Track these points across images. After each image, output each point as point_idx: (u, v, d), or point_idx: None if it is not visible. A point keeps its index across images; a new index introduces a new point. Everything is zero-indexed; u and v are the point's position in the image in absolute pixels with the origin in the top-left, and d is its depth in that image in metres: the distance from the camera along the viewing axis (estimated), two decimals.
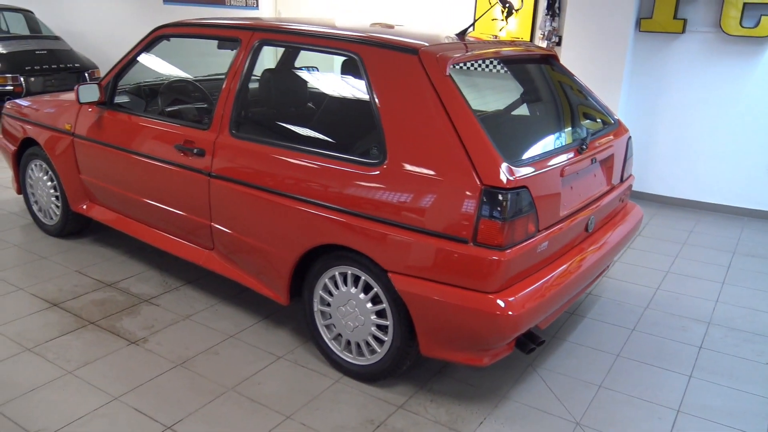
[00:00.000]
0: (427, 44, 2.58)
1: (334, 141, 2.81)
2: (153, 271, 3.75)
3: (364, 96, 2.61)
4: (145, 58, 3.60)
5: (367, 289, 2.64)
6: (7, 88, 7.46)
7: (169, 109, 3.58)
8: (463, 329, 2.36)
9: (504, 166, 2.28)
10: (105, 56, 9.20)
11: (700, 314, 3.50)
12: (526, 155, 2.47)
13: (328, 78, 3.72)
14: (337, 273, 2.71)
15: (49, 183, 4.06)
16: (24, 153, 4.18)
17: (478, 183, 2.26)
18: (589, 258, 2.78)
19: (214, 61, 3.99)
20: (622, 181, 3.24)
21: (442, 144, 2.35)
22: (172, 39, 3.50)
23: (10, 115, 4.30)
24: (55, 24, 9.53)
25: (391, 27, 3.25)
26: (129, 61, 3.56)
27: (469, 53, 2.62)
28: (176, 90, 3.79)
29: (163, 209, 3.36)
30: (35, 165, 4.12)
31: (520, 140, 2.66)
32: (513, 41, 3.27)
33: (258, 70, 3.20)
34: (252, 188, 2.86)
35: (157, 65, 3.83)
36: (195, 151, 3.07)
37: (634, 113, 5.46)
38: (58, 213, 4.09)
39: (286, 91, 3.33)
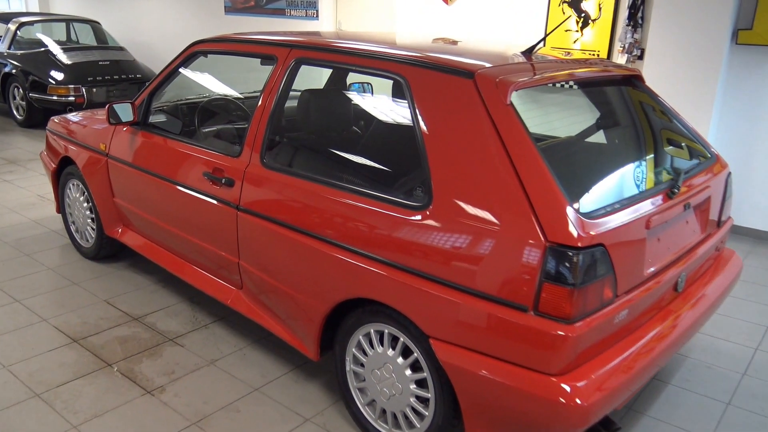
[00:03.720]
0: (485, 66, 2.17)
1: (372, 178, 2.44)
2: (184, 304, 3.48)
3: (409, 127, 2.22)
4: (181, 76, 3.35)
5: (406, 352, 2.25)
6: (69, 98, 7.51)
7: (202, 131, 3.32)
8: (518, 416, 1.94)
9: (575, 218, 1.85)
10: None
11: None
12: (603, 203, 2.02)
13: (372, 104, 3.34)
14: (372, 330, 2.33)
15: (86, 204, 3.87)
16: (63, 171, 4.03)
17: (542, 239, 1.83)
18: (678, 324, 2.29)
19: (259, 77, 3.71)
20: (719, 226, 2.73)
21: (499, 188, 1.94)
22: (209, 56, 3.23)
23: (51, 131, 4.16)
24: (121, 34, 9.64)
25: (455, 43, 2.86)
26: (164, 79, 3.31)
27: (535, 77, 2.19)
28: (211, 111, 3.52)
29: (192, 241, 3.08)
30: (73, 184, 3.96)
31: (596, 183, 2.20)
32: (589, 60, 2.81)
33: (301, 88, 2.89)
34: (281, 226, 2.53)
35: (194, 83, 3.58)
36: (223, 180, 2.77)
37: (728, 137, 4.83)
38: (93, 236, 3.91)
39: (323, 118, 2.98)
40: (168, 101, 3.67)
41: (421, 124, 2.16)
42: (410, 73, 2.25)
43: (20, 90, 7.86)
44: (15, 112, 8.13)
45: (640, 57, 4.97)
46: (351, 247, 2.27)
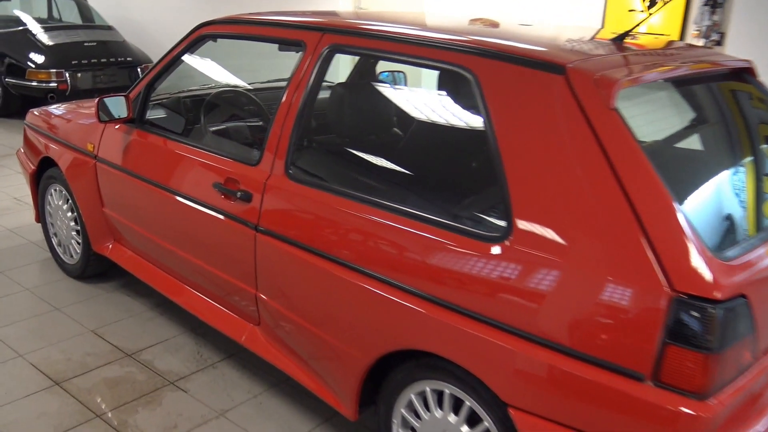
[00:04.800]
0: (576, 58, 1.87)
1: (430, 198, 2.14)
2: (186, 336, 3.21)
3: (480, 134, 1.93)
4: (185, 64, 3.07)
5: (473, 419, 1.96)
6: (51, 84, 7.26)
7: (211, 131, 3.04)
8: None
9: (710, 260, 1.55)
10: (162, 48, 8.94)
11: None
12: (738, 238, 1.72)
13: (426, 101, 3.02)
14: (428, 389, 2.04)
15: (70, 214, 3.61)
16: (43, 174, 3.76)
17: (666, 287, 1.53)
18: None
19: (275, 63, 3.43)
20: None
21: (603, 217, 1.64)
22: (219, 40, 2.95)
23: (31, 125, 3.89)
24: (109, 12, 9.38)
25: (496, 25, 2.56)
26: (164, 68, 3.03)
27: (644, 73, 1.89)
28: (222, 107, 3.24)
29: (198, 265, 2.80)
30: (55, 190, 3.69)
31: (726, 212, 1.90)
32: (689, 48, 2.51)
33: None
34: (312, 254, 2.24)
35: (200, 73, 3.31)
36: (239, 193, 2.49)
37: None
38: (78, 251, 3.64)
39: (365, 120, 2.69)
40: (169, 94, 3.38)
41: (496, 132, 1.86)
42: (480, 65, 1.95)
43: None
44: None
45: (719, 42, 4.66)
46: (403, 285, 1.98)
